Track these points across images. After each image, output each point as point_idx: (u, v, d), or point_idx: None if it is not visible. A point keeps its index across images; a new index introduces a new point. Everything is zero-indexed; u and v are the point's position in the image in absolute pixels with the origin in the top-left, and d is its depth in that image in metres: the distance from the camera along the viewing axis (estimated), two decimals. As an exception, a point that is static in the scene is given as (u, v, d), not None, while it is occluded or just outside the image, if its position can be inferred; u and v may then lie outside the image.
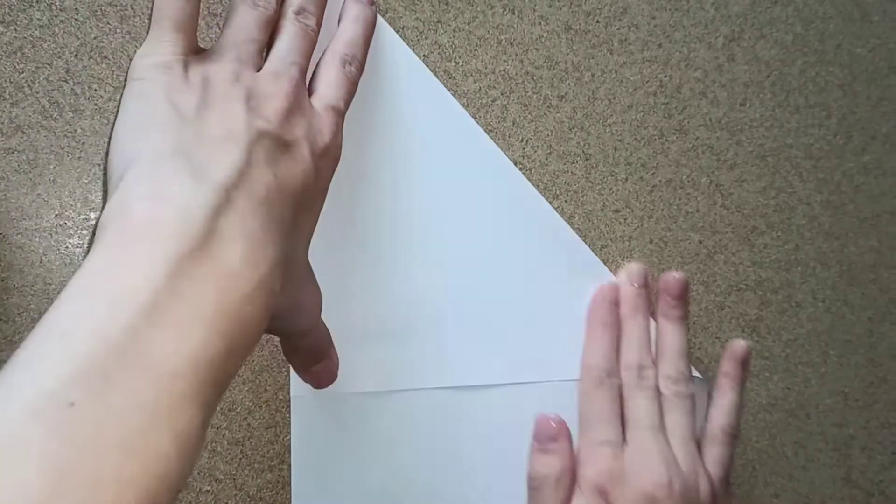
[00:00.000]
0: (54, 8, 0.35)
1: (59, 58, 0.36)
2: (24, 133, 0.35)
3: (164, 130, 0.26)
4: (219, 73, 0.28)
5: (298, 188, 0.28)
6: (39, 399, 0.19)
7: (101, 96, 0.36)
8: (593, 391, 0.37)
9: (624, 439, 0.37)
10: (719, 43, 0.43)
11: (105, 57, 0.36)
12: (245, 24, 0.30)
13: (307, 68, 0.32)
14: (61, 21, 0.36)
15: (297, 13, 0.32)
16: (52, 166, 0.35)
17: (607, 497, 0.35)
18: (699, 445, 0.38)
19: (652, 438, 0.36)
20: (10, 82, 0.35)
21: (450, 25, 0.40)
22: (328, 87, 0.32)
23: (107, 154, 0.27)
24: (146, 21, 0.36)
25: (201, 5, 0.37)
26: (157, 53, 0.28)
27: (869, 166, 0.46)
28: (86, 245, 0.36)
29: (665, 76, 0.42)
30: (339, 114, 0.32)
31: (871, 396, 0.47)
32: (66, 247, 0.36)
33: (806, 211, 0.45)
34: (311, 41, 0.32)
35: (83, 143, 0.36)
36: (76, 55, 0.36)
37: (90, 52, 0.36)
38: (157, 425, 0.20)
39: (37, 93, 0.35)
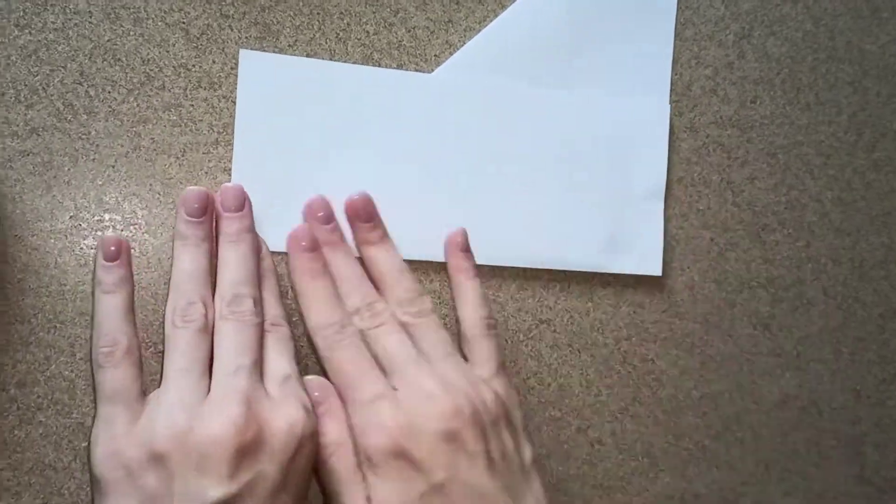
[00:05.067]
0: (68, 11, 0.36)
1: (74, 60, 0.36)
2: (38, 135, 0.35)
3: None
4: (163, 441, 0.29)
5: None
6: None
7: (115, 98, 0.36)
8: (336, 350, 0.33)
9: (392, 386, 0.32)
10: (729, 40, 0.43)
11: (119, 59, 0.36)
12: (182, 347, 0.31)
13: (258, 358, 0.32)
14: (75, 24, 0.36)
15: (231, 304, 0.32)
16: (66, 168, 0.36)
17: (406, 455, 0.30)
18: (462, 352, 0.35)
19: (419, 371, 0.32)
20: (25, 85, 0.35)
21: (461, 25, 0.40)
22: (271, 359, 0.33)
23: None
24: (159, 23, 0.36)
25: (213, 7, 0.37)
26: (109, 441, 0.30)
27: (879, 163, 0.46)
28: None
29: (675, 74, 0.42)
30: (295, 377, 0.32)
31: (883, 393, 0.47)
32: (81, 248, 0.36)
33: (817, 208, 0.45)
34: (253, 328, 0.32)
35: (97, 145, 0.36)
36: (90, 58, 0.36)
37: (104, 54, 0.36)
38: None
39: (51, 95, 0.36)
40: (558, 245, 0.40)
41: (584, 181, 0.41)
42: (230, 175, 0.37)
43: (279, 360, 0.33)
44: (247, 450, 0.29)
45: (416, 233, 0.39)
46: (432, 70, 0.39)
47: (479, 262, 0.40)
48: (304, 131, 0.37)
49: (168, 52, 0.37)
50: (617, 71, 0.41)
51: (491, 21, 0.40)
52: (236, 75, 0.37)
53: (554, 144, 0.40)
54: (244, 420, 0.29)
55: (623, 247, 0.41)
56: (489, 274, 0.40)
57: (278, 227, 0.37)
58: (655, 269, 0.42)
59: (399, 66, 0.39)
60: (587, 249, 0.41)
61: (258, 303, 0.33)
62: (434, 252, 0.39)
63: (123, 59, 0.36)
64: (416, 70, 0.39)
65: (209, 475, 0.28)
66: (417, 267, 0.39)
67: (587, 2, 0.41)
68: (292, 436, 0.30)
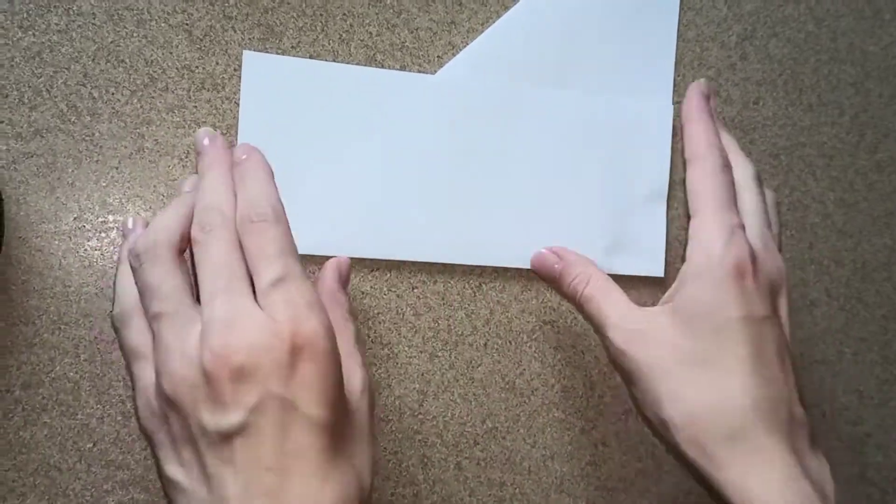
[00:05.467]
0: (72, 13, 0.36)
1: (77, 62, 0.36)
2: (42, 137, 0.35)
3: None
4: (168, 386, 0.28)
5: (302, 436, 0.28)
6: None
7: (119, 100, 0.36)
8: (719, 175, 0.36)
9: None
10: (732, 41, 0.43)
11: (122, 61, 0.36)
12: (218, 260, 0.29)
13: (242, 272, 0.29)
14: (79, 25, 0.36)
15: (250, 217, 0.30)
16: (70, 169, 0.36)
17: (744, 278, 0.33)
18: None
19: (763, 226, 0.36)
20: (29, 86, 0.35)
21: (463, 26, 0.40)
22: (261, 266, 0.30)
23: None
24: (162, 25, 0.36)
25: (217, 9, 0.37)
26: (139, 397, 0.30)
27: (882, 164, 0.46)
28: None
29: (678, 75, 0.43)
30: (291, 276, 0.29)
31: (885, 394, 0.47)
32: (85, 249, 0.36)
33: (819, 209, 0.45)
34: (233, 244, 0.30)
35: (101, 147, 0.36)
36: (93, 59, 0.36)
37: (107, 55, 0.36)
38: None
39: (55, 97, 0.36)
40: (561, 246, 0.40)
41: (587, 182, 0.41)
42: (234, 176, 0.37)
43: (269, 264, 0.29)
44: (240, 375, 0.27)
45: (419, 234, 0.39)
46: (435, 71, 0.39)
47: (482, 263, 0.40)
48: (308, 133, 0.37)
49: (171, 53, 0.37)
50: (620, 72, 0.41)
51: (493, 22, 0.40)
52: (239, 77, 0.37)
53: (557, 145, 0.40)
54: (226, 346, 0.27)
55: (625, 248, 0.41)
56: (493, 275, 0.40)
57: None
58: (658, 271, 0.42)
59: (402, 68, 0.39)
60: (589, 251, 0.41)
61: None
62: (436, 254, 0.39)
63: (127, 60, 0.36)
64: (420, 71, 0.39)
65: (211, 409, 0.27)
66: (420, 269, 0.39)
67: (590, 3, 0.41)
68: (281, 347, 0.27)
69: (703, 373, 0.33)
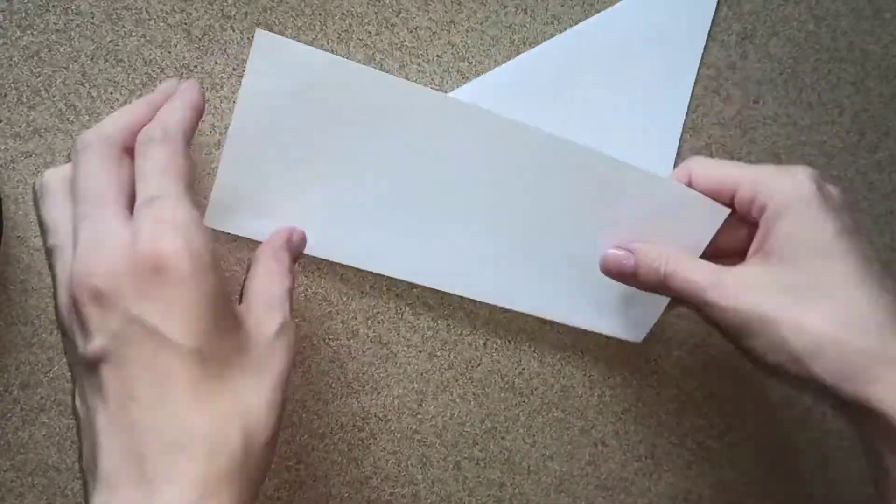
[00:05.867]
0: (70, 12, 0.36)
1: (76, 61, 0.36)
2: (41, 136, 0.35)
3: None
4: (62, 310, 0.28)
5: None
6: None
7: (117, 99, 0.36)
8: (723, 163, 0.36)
9: None
10: (732, 41, 0.43)
11: (121, 60, 0.36)
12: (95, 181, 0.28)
13: (112, 194, 0.28)
14: (77, 25, 0.36)
15: (140, 140, 0.29)
16: (69, 169, 0.36)
17: (826, 198, 0.33)
18: None
19: None
20: (28, 86, 0.35)
21: (463, 25, 0.40)
22: (141, 183, 0.29)
23: None
24: (161, 24, 0.36)
25: (215, 8, 0.37)
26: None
27: (882, 163, 0.46)
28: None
29: (678, 74, 0.42)
30: (166, 196, 0.28)
31: (886, 394, 0.47)
32: (84, 249, 0.36)
33: (820, 208, 0.45)
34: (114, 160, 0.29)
35: (100, 146, 0.36)
36: (92, 59, 0.36)
37: (106, 55, 0.36)
38: None
39: (53, 96, 0.36)
40: (550, 295, 0.40)
41: (593, 243, 0.38)
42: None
43: (144, 183, 0.28)
44: (99, 299, 0.26)
45: (411, 256, 0.38)
46: (436, 70, 0.39)
47: (466, 295, 0.39)
48: (306, 129, 0.35)
49: (170, 53, 0.37)
50: (627, 129, 0.41)
51: (492, 22, 0.40)
52: (238, 76, 0.37)
53: (558, 196, 0.38)
54: (85, 271, 0.26)
55: (615, 309, 0.40)
56: (492, 275, 0.40)
57: (270, 223, 0.35)
58: (637, 337, 0.41)
59: (401, 67, 0.39)
60: (578, 301, 0.40)
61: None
62: (422, 275, 0.38)
63: (125, 60, 0.36)
64: (419, 70, 0.39)
65: (81, 335, 0.26)
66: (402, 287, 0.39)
67: (612, 53, 0.41)
68: (140, 269, 0.26)
69: (822, 298, 0.32)
